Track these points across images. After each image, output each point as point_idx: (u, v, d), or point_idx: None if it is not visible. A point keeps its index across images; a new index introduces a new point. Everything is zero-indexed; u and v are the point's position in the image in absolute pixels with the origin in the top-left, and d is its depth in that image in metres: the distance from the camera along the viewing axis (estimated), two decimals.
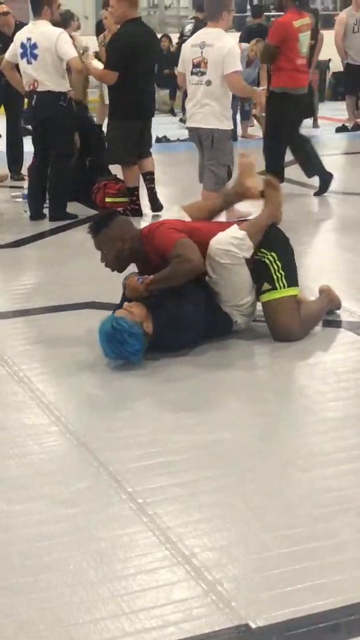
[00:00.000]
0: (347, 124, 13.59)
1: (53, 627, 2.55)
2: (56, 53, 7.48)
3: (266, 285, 4.72)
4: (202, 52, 6.84)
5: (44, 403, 4.07)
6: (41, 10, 7.63)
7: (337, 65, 15.41)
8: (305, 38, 8.68)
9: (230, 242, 4.61)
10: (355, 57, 13.08)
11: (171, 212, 5.08)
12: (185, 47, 7.10)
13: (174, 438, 3.70)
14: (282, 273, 4.73)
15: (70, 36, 9.32)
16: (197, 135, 7.05)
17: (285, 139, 8.69)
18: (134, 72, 7.63)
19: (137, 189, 8.02)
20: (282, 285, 4.72)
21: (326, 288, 5.09)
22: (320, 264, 6.35)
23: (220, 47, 6.75)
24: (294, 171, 9.54)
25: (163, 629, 2.53)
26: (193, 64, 6.89)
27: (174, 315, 4.47)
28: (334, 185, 9.19)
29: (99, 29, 11.76)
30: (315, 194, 8.87)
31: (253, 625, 2.54)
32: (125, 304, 4.52)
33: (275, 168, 8.41)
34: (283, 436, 3.75)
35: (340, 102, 15.18)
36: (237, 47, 7.02)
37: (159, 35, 11.98)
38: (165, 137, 12.68)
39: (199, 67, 6.86)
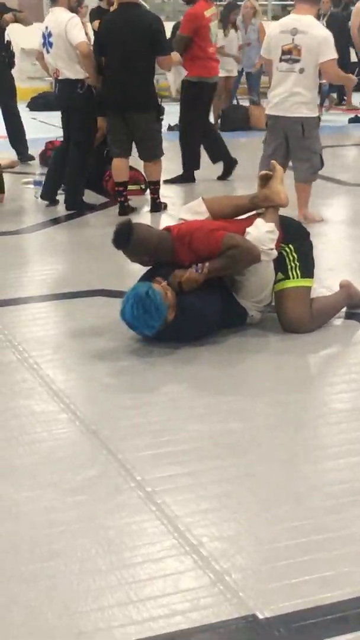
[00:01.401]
0: None
1: (61, 615, 2.55)
2: (67, 39, 7.47)
3: (280, 275, 4.71)
4: (293, 39, 6.75)
5: (53, 390, 4.07)
6: None
7: None
8: (214, 27, 9.03)
9: (269, 237, 4.59)
10: None
11: (192, 203, 4.98)
12: (271, 33, 7.00)
13: (183, 427, 3.69)
14: (297, 264, 4.71)
15: (82, 23, 9.24)
16: (281, 124, 6.95)
17: (201, 126, 8.97)
18: (106, 61, 7.42)
19: (123, 184, 7.63)
20: (295, 275, 4.70)
21: (346, 283, 5.03)
22: (333, 256, 6.32)
23: (316, 35, 6.72)
24: None
25: (170, 618, 2.53)
26: (283, 50, 6.81)
27: (193, 310, 4.46)
28: (346, 176, 9.14)
29: (93, 15, 11.66)
30: (219, 178, 9.17)
31: (260, 616, 2.53)
32: (163, 284, 4.50)
33: (195, 165, 8.90)
34: (293, 427, 3.74)
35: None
36: (331, 35, 6.84)
37: (172, 23, 11.89)
38: (177, 125, 12.62)
39: (289, 54, 6.78)
